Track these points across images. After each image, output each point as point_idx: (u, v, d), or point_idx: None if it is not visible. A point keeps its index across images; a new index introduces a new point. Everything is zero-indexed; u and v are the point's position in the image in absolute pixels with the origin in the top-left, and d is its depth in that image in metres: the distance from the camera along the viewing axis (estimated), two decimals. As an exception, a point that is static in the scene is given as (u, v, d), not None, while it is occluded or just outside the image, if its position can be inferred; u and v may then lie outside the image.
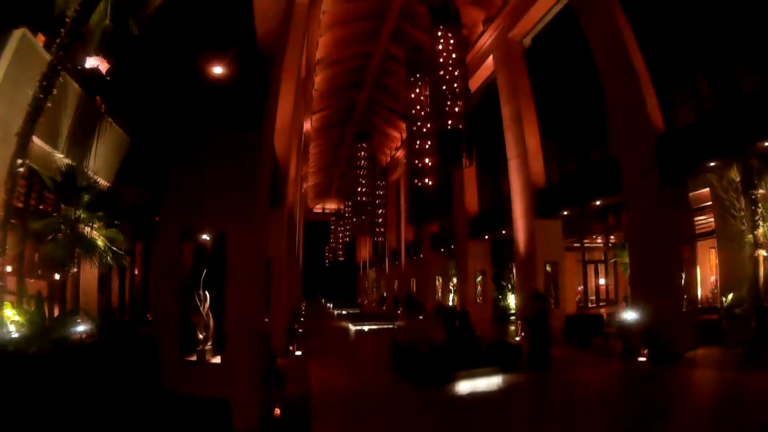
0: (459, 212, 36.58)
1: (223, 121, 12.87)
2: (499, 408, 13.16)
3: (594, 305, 33.82)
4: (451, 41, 28.95)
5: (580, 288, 33.76)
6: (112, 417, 8.98)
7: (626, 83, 18.92)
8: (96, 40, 14.18)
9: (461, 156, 27.69)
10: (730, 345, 17.64)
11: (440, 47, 28.78)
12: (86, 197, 14.20)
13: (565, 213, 26.07)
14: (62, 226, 13.65)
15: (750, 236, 18.43)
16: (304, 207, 63.66)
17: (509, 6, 28.26)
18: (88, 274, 16.34)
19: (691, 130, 17.31)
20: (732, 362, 16.26)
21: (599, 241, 33.59)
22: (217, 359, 12.16)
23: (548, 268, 26.16)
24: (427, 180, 32.19)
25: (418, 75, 34.32)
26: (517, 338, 24.52)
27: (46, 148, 13.99)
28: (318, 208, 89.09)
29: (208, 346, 12.21)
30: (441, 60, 28.57)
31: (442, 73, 28.27)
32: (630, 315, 18.60)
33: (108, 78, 16.58)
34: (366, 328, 33.45)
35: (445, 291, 46.17)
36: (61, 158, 14.70)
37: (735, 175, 19.14)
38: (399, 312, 46.75)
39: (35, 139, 12.47)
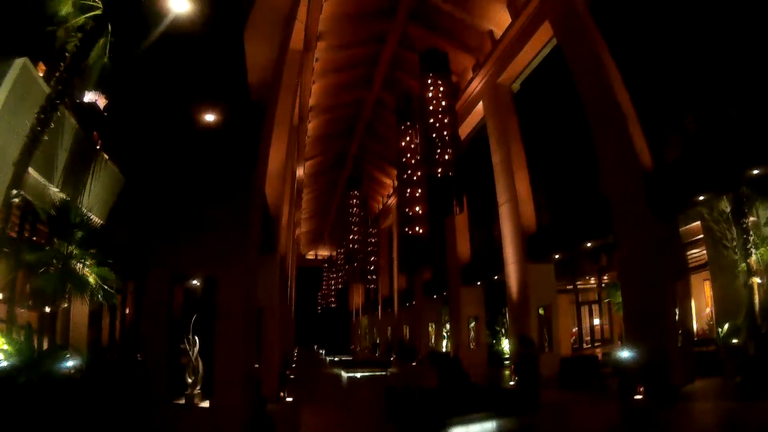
0: (451, 259, 36.59)
1: (215, 166, 12.98)
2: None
3: (589, 346, 33.55)
4: (441, 89, 29.41)
5: (574, 329, 33.55)
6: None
7: (614, 123, 19.20)
8: (95, 76, 14.34)
9: (452, 203, 27.89)
10: (728, 375, 17.51)
11: (430, 95, 29.22)
12: (79, 233, 14.17)
13: (557, 256, 26.11)
14: (54, 261, 13.60)
15: (743, 265, 18.45)
16: (297, 253, 63.64)
17: (498, 52, 28.68)
18: (79, 309, 16.19)
19: (679, 167, 17.53)
20: (731, 392, 16.19)
21: (592, 281, 33.54)
22: (206, 403, 12.07)
23: (541, 312, 26.09)
24: (418, 228, 32.36)
25: (408, 123, 34.75)
26: (511, 383, 24.33)
27: (42, 180, 14.00)
28: (311, 255, 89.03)
29: (197, 390, 12.12)
30: (431, 108, 28.97)
31: (432, 121, 28.65)
32: (625, 353, 18.54)
33: (105, 114, 16.71)
34: (358, 374, 33.16)
35: (439, 337, 45.87)
36: (55, 192, 14.70)
37: (725, 205, 19.27)
38: (392, 358, 46.38)
39: (31, 171, 12.52)
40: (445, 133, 28.46)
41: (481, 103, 31.69)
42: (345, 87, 40.73)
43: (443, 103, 29.10)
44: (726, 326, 18.70)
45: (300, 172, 44.51)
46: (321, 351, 60.18)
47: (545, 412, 16.62)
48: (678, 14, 18.33)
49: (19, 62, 12.34)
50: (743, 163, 14.96)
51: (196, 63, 11.49)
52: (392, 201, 54.50)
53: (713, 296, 21.42)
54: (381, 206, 60.89)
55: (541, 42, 25.52)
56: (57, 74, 11.75)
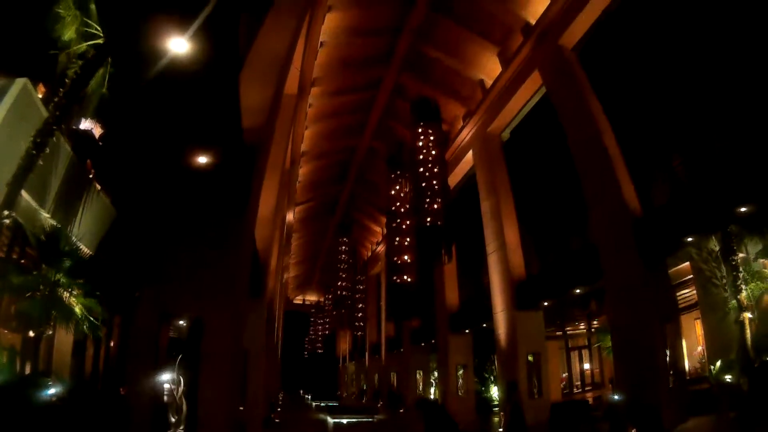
0: (439, 307, 36.46)
1: (205, 208, 13.06)
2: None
3: (579, 390, 33.41)
4: (431, 138, 29.77)
5: (564, 375, 33.45)
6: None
7: (601, 170, 19.46)
8: (93, 105, 14.54)
9: (441, 253, 27.96)
10: (722, 412, 17.41)
11: (420, 144, 29.53)
12: (68, 262, 14.17)
13: (546, 303, 26.15)
14: (41, 286, 13.57)
15: (733, 302, 18.54)
16: (285, 298, 63.30)
17: (488, 101, 29.15)
18: (63, 338, 16.06)
19: (667, 210, 17.79)
20: (725, 429, 16.15)
21: (582, 327, 33.51)
22: (189, 444, 11.94)
23: (530, 358, 25.98)
24: (406, 277, 32.36)
25: (398, 171, 35.03)
26: (500, 430, 24.16)
27: (34, 204, 14.03)
28: (298, 299, 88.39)
29: (180, 430, 12.00)
30: (421, 157, 29.26)
31: (422, 170, 28.93)
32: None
33: (100, 143, 16.81)
34: (345, 420, 32.82)
35: (427, 384, 45.53)
36: (46, 218, 14.73)
37: (714, 245, 19.43)
38: (379, 405, 45.93)
39: (24, 193, 12.57)
40: (434, 182, 28.70)
41: (471, 151, 31.99)
42: (337, 133, 41.07)
43: (433, 152, 29.41)
44: (718, 363, 18.68)
45: (290, 216, 44.58)
46: (307, 396, 59.45)
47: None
48: (664, 59, 18.79)
49: (19, 82, 12.47)
50: (731, 202, 15.23)
51: (191, 103, 11.63)
52: (381, 248, 54.51)
53: (704, 335, 21.46)
54: (370, 253, 60.85)
55: (530, 91, 25.99)
56: (56, 99, 11.90)
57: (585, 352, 34.83)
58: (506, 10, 25.79)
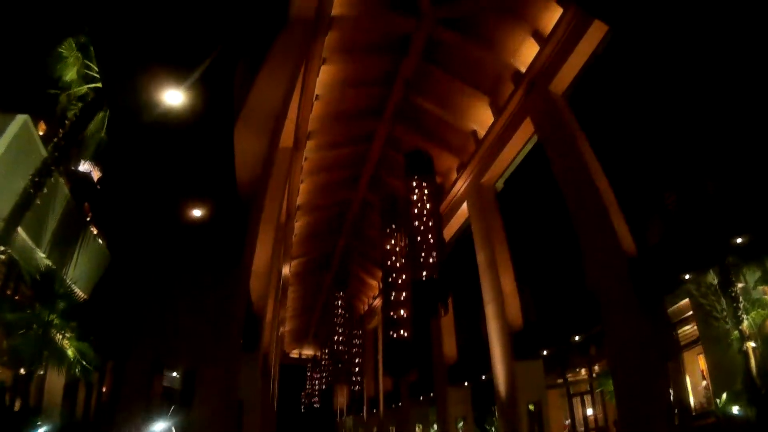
0: (437, 360, 36.16)
1: (200, 259, 13.01)
2: None
3: (583, 436, 32.85)
4: (425, 191, 29.79)
5: (567, 422, 32.91)
6: None
7: (595, 213, 19.56)
8: (91, 148, 14.58)
9: (437, 306, 27.78)
10: None
11: (414, 197, 29.56)
12: (62, 304, 14.07)
13: (545, 352, 25.92)
14: (34, 325, 13.42)
15: (736, 332, 18.34)
16: (281, 351, 62.67)
17: (481, 151, 29.45)
18: (55, 379, 15.83)
19: (663, 248, 17.94)
20: None
21: (583, 372, 33.10)
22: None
23: (531, 408, 25.59)
24: (403, 332, 32.07)
25: (393, 226, 35.02)
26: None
27: (30, 243, 13.99)
28: (294, 353, 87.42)
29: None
30: (415, 211, 29.26)
31: (416, 224, 28.88)
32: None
33: (98, 186, 16.83)
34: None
35: (426, 438, 44.88)
36: (42, 257, 14.67)
37: (712, 278, 19.32)
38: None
39: (20, 231, 12.51)
40: (429, 236, 28.65)
41: (465, 203, 32.14)
42: (332, 187, 41.25)
43: (428, 205, 29.43)
44: (724, 395, 18.39)
45: (286, 270, 44.40)
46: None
47: None
48: (653, 98, 19.05)
49: (20, 119, 12.54)
50: (726, 235, 15.32)
51: (186, 154, 11.69)
52: (378, 302, 54.23)
53: (708, 369, 21.12)
54: (366, 307, 60.49)
55: (522, 139, 26.33)
56: (55, 140, 11.96)
57: (587, 398, 34.24)
58: (496, 59, 26.25)
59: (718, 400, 18.71)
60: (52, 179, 12.43)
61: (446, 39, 26.58)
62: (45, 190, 11.91)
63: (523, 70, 24.67)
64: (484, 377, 30.38)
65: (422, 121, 33.32)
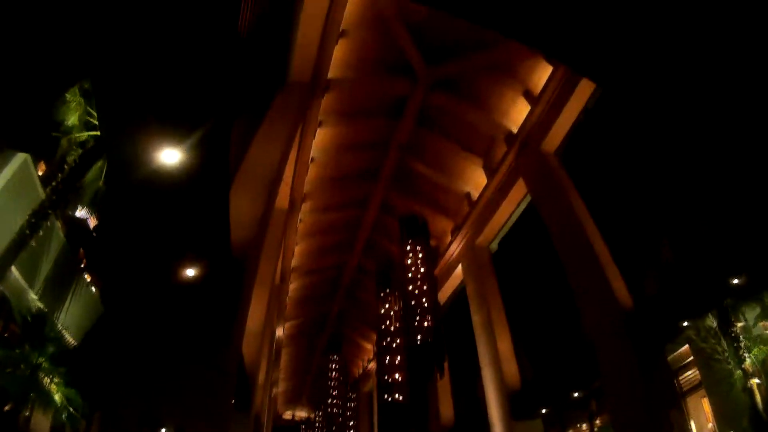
0: (434, 423, 35.55)
1: (193, 318, 12.95)
2: None
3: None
4: (420, 255, 29.96)
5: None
6: None
7: (590, 268, 19.55)
8: (89, 196, 14.59)
9: (432, 369, 27.55)
10: None
11: (409, 261, 29.65)
12: (51, 348, 13.88)
13: (544, 411, 25.59)
14: (22, 365, 13.20)
15: (738, 372, 18.12)
16: (273, 412, 61.57)
17: (475, 213, 29.65)
18: (41, 422, 15.48)
19: (659, 300, 17.93)
20: None
21: (584, 428, 32.54)
22: None
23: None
24: (398, 395, 31.74)
25: (387, 290, 35.02)
26: None
27: (22, 282, 13.86)
28: (288, 414, 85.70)
29: None
30: (410, 275, 29.32)
31: (411, 288, 28.93)
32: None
33: (94, 234, 16.78)
34: None
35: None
36: (34, 299, 14.52)
37: (711, 321, 19.18)
38: None
39: (14, 269, 12.43)
40: (424, 300, 28.67)
41: (460, 265, 32.12)
42: (327, 250, 41.25)
43: (422, 269, 29.53)
44: None
45: (279, 331, 44.05)
46: None
47: None
48: (643, 150, 19.31)
49: (20, 157, 12.57)
50: (723, 276, 15.39)
51: (180, 213, 11.76)
52: (372, 366, 53.67)
53: (713, 411, 20.83)
54: (361, 370, 59.77)
55: (516, 200, 26.54)
56: (53, 183, 11.99)
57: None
58: (489, 120, 26.70)
59: None
60: (49, 222, 12.44)
61: (440, 101, 27.10)
62: (41, 232, 11.90)
63: (515, 130, 25.10)
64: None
65: (417, 185, 33.61)
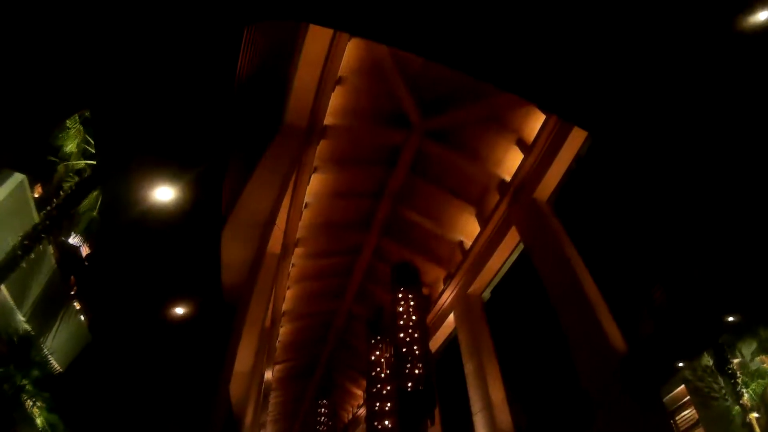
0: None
1: (181, 358, 12.90)
2: None
3: None
4: (412, 303, 29.88)
5: None
6: None
7: (583, 315, 19.53)
8: (83, 225, 14.57)
9: (424, 417, 27.28)
10: None
11: (401, 309, 29.57)
12: (36, 372, 13.70)
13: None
14: (5, 386, 13.01)
15: (737, 407, 17.97)
16: (260, 458, 60.64)
17: (468, 262, 29.66)
18: None
19: (654, 342, 17.94)
20: None
21: None
22: None
23: None
24: (387, 442, 31.39)
25: (378, 337, 34.86)
26: None
27: (11, 303, 13.75)
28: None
29: None
30: (401, 323, 29.21)
31: (402, 335, 28.78)
32: None
33: (86, 263, 16.71)
34: None
35: None
36: (21, 321, 14.39)
37: (707, 360, 19.08)
38: None
39: (3, 289, 12.36)
40: (415, 347, 28.50)
41: (452, 313, 32.05)
42: (319, 296, 41.16)
43: (414, 317, 29.41)
44: None
45: (269, 374, 43.60)
46: None
47: None
48: (634, 197, 19.53)
49: (17, 177, 12.60)
50: (718, 315, 15.42)
51: (172, 253, 11.84)
52: (362, 411, 53.09)
53: None
54: (351, 416, 59.03)
55: (509, 249, 26.63)
56: (48, 208, 12.02)
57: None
58: (482, 169, 26.98)
59: None
60: (41, 246, 12.45)
61: (434, 151, 27.39)
62: (32, 255, 11.90)
63: (508, 178, 25.33)
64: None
65: (410, 233, 33.75)
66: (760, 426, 17.67)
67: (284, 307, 38.43)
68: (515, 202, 24.47)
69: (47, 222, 12.05)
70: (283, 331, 42.36)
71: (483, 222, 27.97)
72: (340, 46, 21.79)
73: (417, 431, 32.61)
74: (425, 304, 32.73)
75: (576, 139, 21.15)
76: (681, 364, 18.25)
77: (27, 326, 14.75)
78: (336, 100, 23.87)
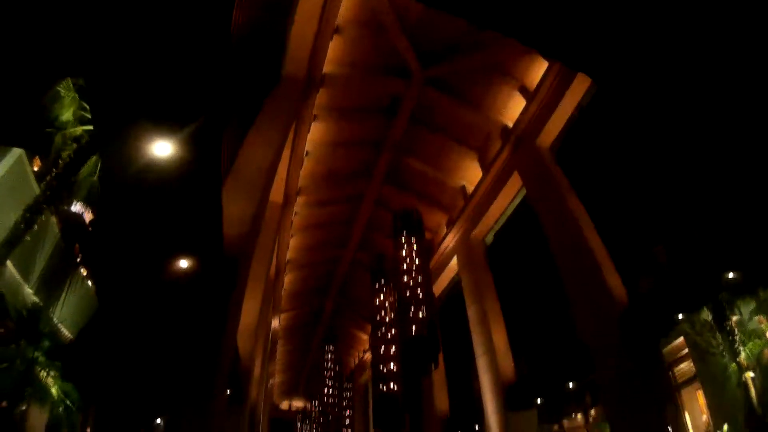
0: (429, 413, 35.69)
1: (187, 311, 13.02)
2: None
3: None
4: (414, 248, 29.96)
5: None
6: None
7: (585, 265, 19.62)
8: (84, 191, 14.62)
9: (427, 362, 27.64)
10: None
11: (404, 254, 29.68)
12: (47, 343, 13.93)
13: (539, 401, 25.75)
14: (18, 360, 13.26)
15: (733, 365, 18.27)
16: (270, 404, 61.72)
17: (470, 207, 29.73)
18: (37, 416, 15.51)
19: (655, 294, 17.92)
20: None
21: (579, 418, 32.74)
22: None
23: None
24: (392, 385, 31.87)
25: (382, 281, 35.10)
26: None
27: (18, 277, 13.92)
28: (285, 405, 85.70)
29: None
30: (404, 267, 29.35)
31: (405, 280, 28.95)
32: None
33: (90, 228, 16.81)
34: None
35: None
36: (29, 294, 14.57)
37: (706, 315, 19.30)
38: None
39: (9, 265, 12.50)
40: (418, 291, 28.69)
41: (455, 258, 32.23)
42: (322, 244, 41.31)
43: (417, 262, 29.53)
44: (725, 427, 18.20)
45: (275, 324, 44.14)
46: None
47: None
48: (637, 150, 19.38)
49: (15, 153, 12.63)
50: (719, 271, 15.47)
51: (173, 208, 11.82)
52: (368, 357, 53.85)
53: (707, 403, 20.94)
54: (357, 361, 59.91)
55: (511, 194, 26.64)
56: (48, 178, 12.04)
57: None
58: (484, 117, 26.72)
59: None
60: (44, 217, 12.50)
61: (435, 99, 27.08)
62: (36, 228, 11.96)
63: (511, 125, 25.14)
64: (477, 427, 30.07)
65: (411, 180, 33.68)
66: (755, 386, 17.88)
67: (288, 255, 38.63)
68: (518, 147, 24.33)
69: (48, 192, 12.04)
70: (288, 280, 42.67)
71: (485, 168, 27.87)
72: (337, -6, 21.41)
73: (421, 375, 33.21)
74: (428, 249, 32.85)
75: (579, 87, 20.89)
76: (681, 317, 18.38)
77: (35, 298, 14.87)
78: (334, 49, 23.49)
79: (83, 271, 17.52)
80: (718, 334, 19.24)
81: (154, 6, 8.87)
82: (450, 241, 32.77)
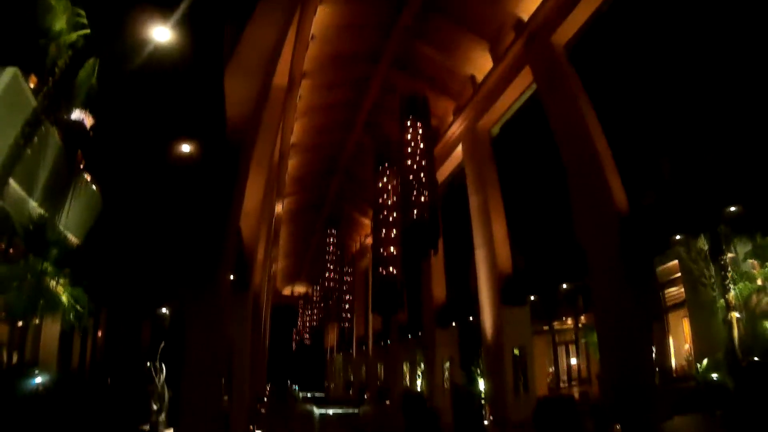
0: (426, 301, 36.61)
1: (190, 201, 13.04)
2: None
3: (566, 385, 33.50)
4: (420, 132, 29.70)
5: (551, 369, 33.60)
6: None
7: (589, 167, 19.53)
8: (82, 95, 14.46)
9: (427, 246, 27.96)
10: (708, 410, 17.31)
11: (409, 137, 29.47)
12: (55, 251, 14.14)
13: (533, 298, 26.29)
14: (28, 275, 13.54)
15: (721, 301, 18.67)
16: (273, 290, 63.21)
17: (479, 96, 29.21)
18: (50, 328, 16.03)
19: (655, 210, 17.98)
20: (710, 428, 16.14)
21: (569, 322, 33.66)
22: (170, 431, 12.00)
23: (516, 352, 26.04)
24: (392, 269, 32.40)
25: (386, 164, 35.03)
26: (485, 422, 24.35)
27: (22, 193, 14.03)
28: (287, 291, 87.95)
29: (162, 417, 12.05)
30: (409, 150, 29.20)
31: (409, 163, 28.86)
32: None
33: (91, 133, 16.75)
34: (331, 411, 33.06)
35: (413, 377, 45.65)
36: (34, 207, 14.71)
37: (703, 244, 19.54)
38: (366, 397, 46.11)
39: (12, 182, 12.56)
40: (422, 175, 28.65)
41: (460, 146, 32.06)
42: (327, 127, 41.06)
43: (421, 146, 29.33)
44: (705, 362, 18.74)
45: (279, 208, 44.51)
46: (295, 387, 59.83)
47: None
48: (656, 59, 18.93)
49: (9, 71, 12.43)
50: (720, 201, 15.40)
51: (174, 95, 11.58)
52: (369, 241, 54.58)
53: (692, 333, 21.48)
54: (358, 246, 60.77)
55: (521, 87, 26.09)
56: (45, 89, 11.87)
57: (572, 348, 34.85)
58: (499, 7, 25.75)
59: (699, 366, 19.07)
60: (43, 129, 12.35)
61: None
62: (36, 140, 11.83)
63: (526, 18, 24.20)
64: (471, 319, 30.82)
65: (420, 65, 32.98)
66: (739, 328, 18.07)
67: (292, 139, 38.47)
68: (531, 42, 23.51)
69: (46, 102, 11.79)
70: (292, 163, 42.65)
71: (496, 58, 27.14)
72: None
73: (420, 260, 33.77)
74: (433, 135, 32.61)
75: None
76: (678, 238, 18.38)
77: (40, 210, 14.83)
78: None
79: (87, 176, 17.48)
80: (711, 266, 19.39)
81: None
82: (456, 129, 32.48)
